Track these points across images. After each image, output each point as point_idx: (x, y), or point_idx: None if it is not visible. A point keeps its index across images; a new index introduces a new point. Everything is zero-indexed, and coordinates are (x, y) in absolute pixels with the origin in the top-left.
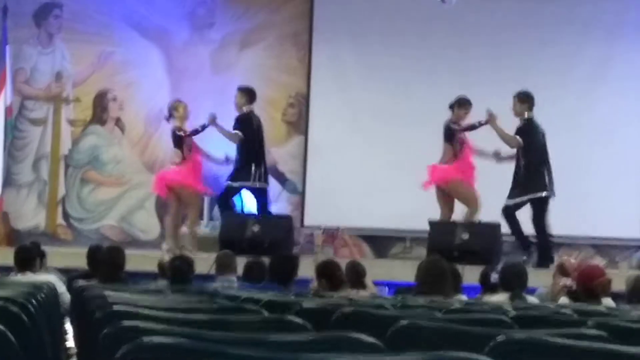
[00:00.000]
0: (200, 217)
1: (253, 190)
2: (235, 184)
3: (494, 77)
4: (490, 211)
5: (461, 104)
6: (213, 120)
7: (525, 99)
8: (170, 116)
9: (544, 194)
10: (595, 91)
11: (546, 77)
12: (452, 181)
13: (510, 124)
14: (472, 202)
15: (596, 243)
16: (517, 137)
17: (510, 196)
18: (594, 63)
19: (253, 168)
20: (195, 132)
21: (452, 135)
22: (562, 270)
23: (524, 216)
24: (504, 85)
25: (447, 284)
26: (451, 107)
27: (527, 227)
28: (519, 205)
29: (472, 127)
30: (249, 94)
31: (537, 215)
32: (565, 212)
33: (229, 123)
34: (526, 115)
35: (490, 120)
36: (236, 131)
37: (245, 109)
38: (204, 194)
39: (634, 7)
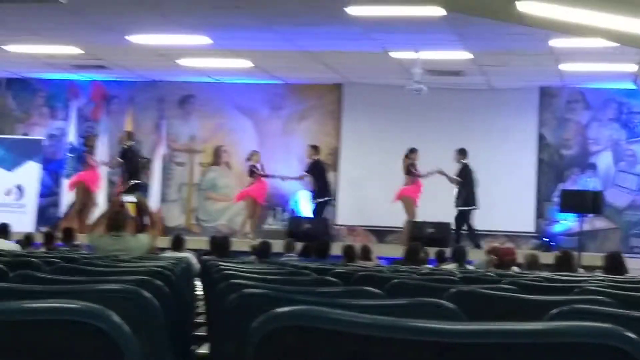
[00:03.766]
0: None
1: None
2: (321, 200)
3: (447, 140)
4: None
5: (411, 151)
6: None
7: (460, 152)
8: (248, 159)
9: (476, 207)
10: (503, 144)
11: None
12: (402, 197)
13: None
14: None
15: (507, 234)
16: (458, 178)
17: (459, 206)
18: (501, 129)
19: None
20: (265, 176)
21: (409, 171)
22: (490, 251)
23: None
24: (452, 145)
25: (420, 258)
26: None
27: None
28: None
29: (424, 175)
30: (315, 148)
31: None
32: (489, 215)
33: (293, 165)
34: (462, 161)
35: (440, 173)
36: (305, 174)
37: (313, 157)
38: (263, 203)
39: (523, 97)
